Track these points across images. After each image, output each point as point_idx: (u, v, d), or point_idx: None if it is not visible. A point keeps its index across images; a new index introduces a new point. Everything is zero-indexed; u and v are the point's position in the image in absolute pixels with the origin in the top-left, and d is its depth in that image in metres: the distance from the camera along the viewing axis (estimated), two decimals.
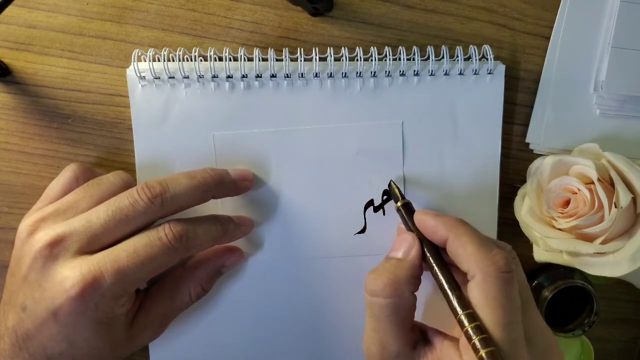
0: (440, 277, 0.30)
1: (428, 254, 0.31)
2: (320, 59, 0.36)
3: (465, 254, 0.29)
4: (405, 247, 0.32)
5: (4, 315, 0.31)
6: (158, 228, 0.32)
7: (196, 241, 0.33)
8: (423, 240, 0.32)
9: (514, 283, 0.28)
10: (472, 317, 0.27)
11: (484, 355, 0.26)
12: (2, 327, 0.31)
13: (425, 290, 0.31)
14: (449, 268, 0.30)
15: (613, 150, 0.36)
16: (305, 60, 0.36)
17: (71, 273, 0.29)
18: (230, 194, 0.36)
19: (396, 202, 0.35)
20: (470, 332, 0.27)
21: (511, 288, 0.28)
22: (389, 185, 0.37)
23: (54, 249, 0.30)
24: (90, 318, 0.30)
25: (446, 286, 0.29)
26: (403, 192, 0.36)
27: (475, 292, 0.28)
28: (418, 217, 0.32)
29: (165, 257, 0.31)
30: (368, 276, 0.31)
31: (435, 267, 0.31)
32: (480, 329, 0.27)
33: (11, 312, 0.31)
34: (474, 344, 0.26)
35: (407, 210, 0.34)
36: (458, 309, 0.28)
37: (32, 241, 0.31)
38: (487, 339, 0.26)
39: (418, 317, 0.32)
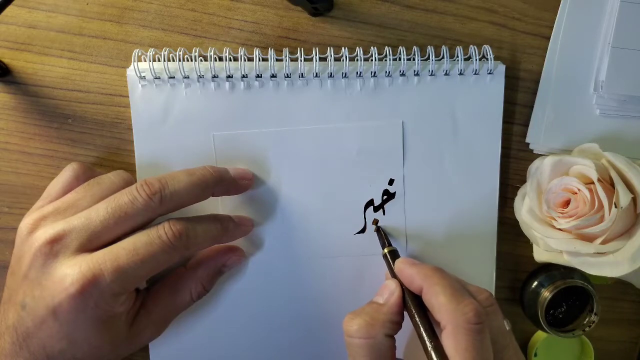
0: (419, 325, 0.31)
1: (409, 302, 0.32)
2: (320, 59, 0.36)
3: (437, 304, 0.29)
4: (386, 293, 0.33)
5: (4, 313, 0.31)
6: (158, 226, 0.32)
7: (196, 240, 0.33)
8: (406, 288, 0.33)
9: (485, 333, 0.28)
10: None
11: None
12: (3, 326, 0.31)
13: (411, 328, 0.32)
14: (429, 317, 0.31)
15: (613, 150, 0.36)
16: (305, 60, 0.36)
17: (71, 271, 0.29)
18: (230, 192, 0.36)
19: (383, 248, 0.36)
20: None
21: (481, 338, 0.28)
22: (376, 229, 0.38)
23: (54, 247, 0.30)
24: (90, 316, 0.30)
25: (424, 335, 0.30)
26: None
27: (447, 343, 0.28)
28: (397, 266, 0.33)
29: (165, 255, 0.31)
30: (346, 317, 0.32)
31: (415, 316, 0.31)
32: None
33: (11, 311, 0.31)
34: None
35: (393, 257, 0.35)
36: (434, 358, 0.29)
37: (32, 239, 0.31)
38: None
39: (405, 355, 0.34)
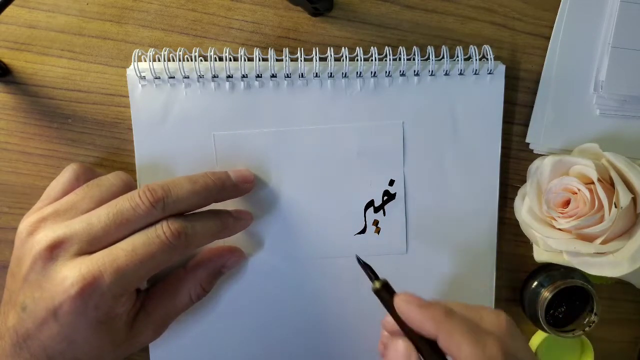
0: None
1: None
2: (321, 59, 0.36)
3: (462, 355, 0.27)
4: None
5: (4, 315, 0.31)
6: (156, 226, 0.32)
7: (195, 238, 0.33)
8: (414, 339, 0.29)
9: None
10: None
11: None
12: (3, 327, 0.31)
13: None
14: None
15: (613, 150, 0.36)
16: (305, 60, 0.36)
17: (70, 273, 0.29)
18: (232, 197, 0.36)
19: (372, 283, 0.31)
20: None
21: None
22: (358, 261, 0.33)
23: (54, 251, 0.30)
24: (91, 318, 0.30)
25: None
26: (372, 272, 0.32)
27: None
28: (401, 310, 0.30)
29: (164, 255, 0.31)
30: None
31: None
32: None
33: (11, 312, 0.31)
34: None
35: (387, 293, 0.31)
36: None
37: (32, 242, 0.31)
38: None
39: None
